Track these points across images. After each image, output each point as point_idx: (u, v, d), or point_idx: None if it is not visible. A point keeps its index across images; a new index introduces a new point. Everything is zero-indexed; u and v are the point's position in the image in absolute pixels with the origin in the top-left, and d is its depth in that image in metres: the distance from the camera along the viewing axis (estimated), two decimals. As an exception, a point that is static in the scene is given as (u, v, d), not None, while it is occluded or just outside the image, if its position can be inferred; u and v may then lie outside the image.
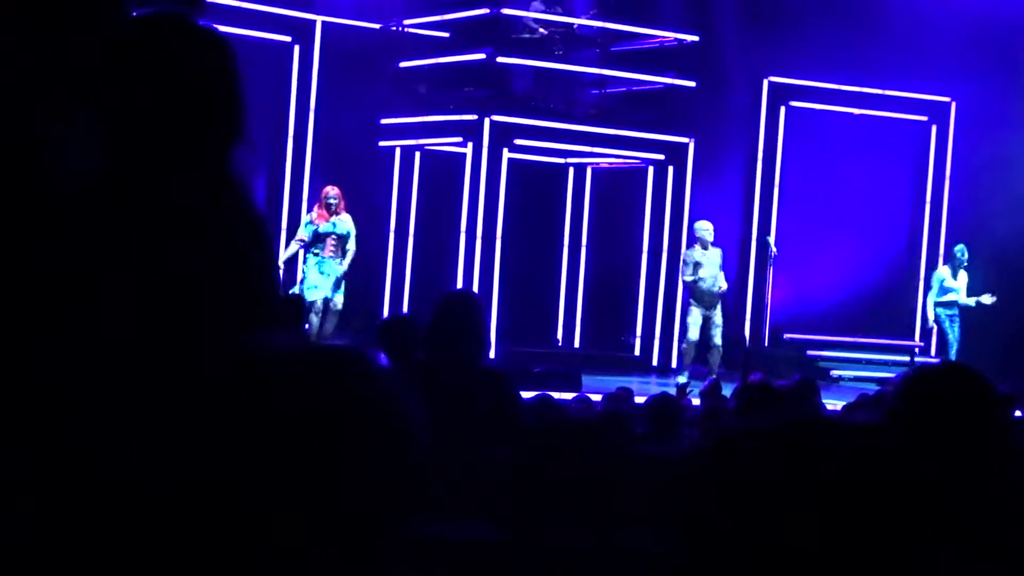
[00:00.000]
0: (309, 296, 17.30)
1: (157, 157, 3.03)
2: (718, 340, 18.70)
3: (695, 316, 18.67)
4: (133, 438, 1.78)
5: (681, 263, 18.99)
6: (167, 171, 3.03)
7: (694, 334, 18.59)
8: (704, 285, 18.56)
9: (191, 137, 3.08)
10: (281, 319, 3.39)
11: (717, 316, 18.75)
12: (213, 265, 3.01)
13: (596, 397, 11.99)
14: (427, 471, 1.70)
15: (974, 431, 3.32)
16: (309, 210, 18.38)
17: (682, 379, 17.52)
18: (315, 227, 17.65)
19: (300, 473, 1.62)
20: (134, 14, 3.25)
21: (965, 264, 20.09)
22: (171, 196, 3.02)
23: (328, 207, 17.63)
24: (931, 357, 21.35)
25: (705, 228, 18.79)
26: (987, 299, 19.81)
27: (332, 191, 17.70)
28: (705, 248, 18.69)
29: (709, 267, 18.57)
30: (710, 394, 12.55)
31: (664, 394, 10.26)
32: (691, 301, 18.76)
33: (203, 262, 2.97)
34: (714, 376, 16.92)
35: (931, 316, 20.36)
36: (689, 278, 18.63)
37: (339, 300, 17.69)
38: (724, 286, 18.96)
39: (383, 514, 1.66)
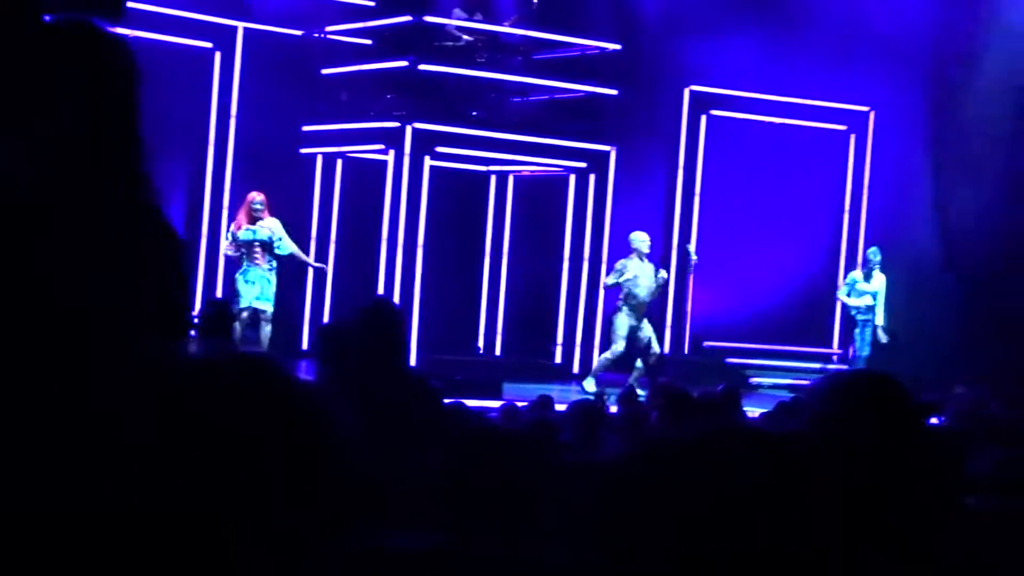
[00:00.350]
0: (241, 304, 17.10)
1: (60, 164, 3.02)
2: (656, 346, 18.61)
3: (623, 326, 18.47)
4: (43, 456, 1.77)
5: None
6: (71, 178, 3.02)
7: (620, 346, 18.38)
8: (640, 294, 18.40)
9: (92, 144, 3.07)
10: (194, 327, 3.38)
11: (647, 326, 18.60)
12: (121, 273, 2.99)
13: (521, 404, 12.01)
14: (356, 480, 1.70)
15: (894, 436, 3.36)
16: (231, 217, 18.24)
17: (590, 385, 17.55)
18: (235, 236, 17.41)
19: (220, 486, 1.61)
20: (44, 20, 3.26)
21: (877, 266, 20.20)
22: (75, 203, 3.00)
23: (252, 212, 17.40)
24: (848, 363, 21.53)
25: (642, 239, 18.69)
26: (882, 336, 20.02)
27: (258, 197, 17.45)
28: (642, 259, 18.59)
29: (644, 278, 18.47)
30: (627, 400, 12.60)
31: (585, 401, 10.30)
32: (623, 308, 18.49)
33: (110, 270, 2.96)
34: (631, 383, 16.99)
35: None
36: (611, 281, 18.46)
37: (268, 308, 17.42)
38: (664, 275, 18.84)
39: (310, 524, 1.66)
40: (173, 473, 1.63)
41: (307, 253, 19.36)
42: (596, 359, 18.87)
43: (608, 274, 18.78)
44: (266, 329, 17.41)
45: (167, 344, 2.91)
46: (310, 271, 19.45)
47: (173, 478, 1.63)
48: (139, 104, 3.20)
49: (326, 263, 19.80)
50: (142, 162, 3.16)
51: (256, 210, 17.36)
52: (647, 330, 18.59)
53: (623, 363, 18.47)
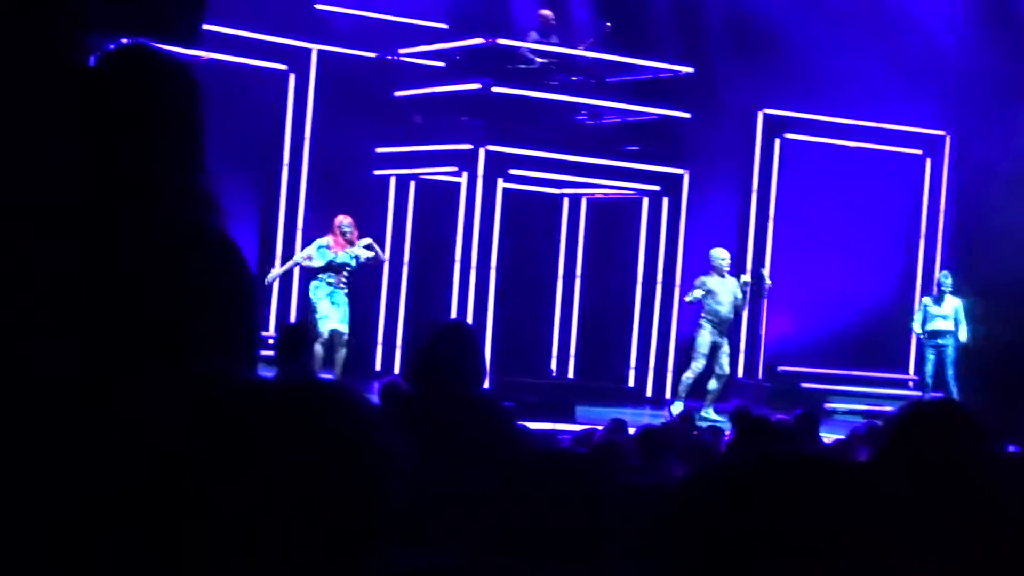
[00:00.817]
0: (320, 326, 17.17)
1: (122, 185, 3.04)
2: (727, 368, 18.60)
3: (704, 341, 18.42)
4: (104, 464, 1.77)
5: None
6: (134, 200, 3.04)
7: (701, 363, 18.37)
8: (721, 310, 18.41)
9: (154, 165, 3.09)
10: (278, 341, 3.37)
11: (726, 344, 18.65)
12: (184, 291, 3.00)
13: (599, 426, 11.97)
14: (408, 505, 1.69)
15: (965, 471, 3.31)
16: (306, 240, 18.31)
17: (678, 408, 17.44)
18: (332, 256, 17.42)
19: (271, 505, 1.61)
20: (110, 46, 3.33)
21: (950, 290, 20.09)
22: (138, 226, 3.02)
23: (343, 236, 17.48)
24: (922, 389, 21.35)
25: (721, 256, 18.69)
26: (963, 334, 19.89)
27: (346, 220, 17.52)
28: (722, 276, 18.58)
29: (725, 294, 18.45)
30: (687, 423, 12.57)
31: (650, 425, 10.26)
32: (704, 324, 18.48)
33: (174, 289, 2.97)
34: (683, 406, 16.92)
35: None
36: (689, 298, 18.47)
37: (346, 330, 17.50)
38: (746, 279, 18.84)
39: (355, 546, 1.65)
40: (232, 492, 1.63)
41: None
42: (680, 382, 18.67)
43: (687, 293, 18.75)
44: (342, 352, 17.46)
45: (226, 366, 2.91)
46: (383, 299, 19.60)
47: (233, 496, 1.63)
48: (200, 125, 3.22)
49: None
50: (203, 182, 3.19)
51: (346, 233, 17.43)
52: (725, 349, 18.55)
53: (701, 384, 18.42)
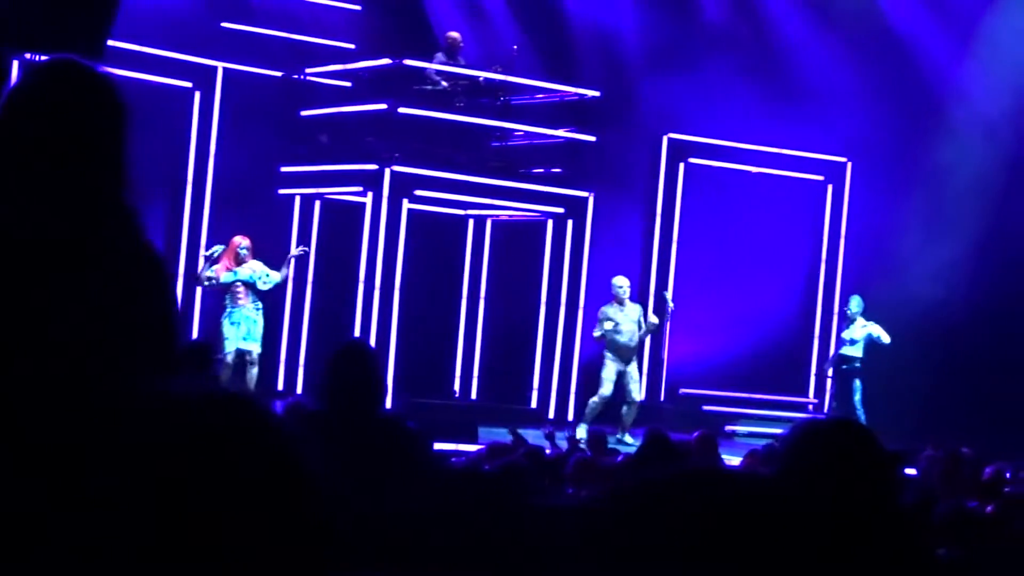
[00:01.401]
0: (226, 347, 17.13)
1: (47, 198, 3.03)
2: (636, 395, 18.72)
3: (610, 371, 18.60)
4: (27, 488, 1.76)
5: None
6: (58, 212, 3.03)
7: (608, 389, 18.51)
8: (621, 340, 18.59)
9: (80, 178, 3.09)
10: (181, 359, 3.37)
11: (634, 371, 18.80)
12: (108, 304, 3.00)
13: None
14: (331, 521, 1.69)
15: (863, 487, 3.35)
16: (208, 258, 18.25)
17: (581, 432, 17.47)
18: (216, 279, 17.45)
19: (193, 525, 1.60)
20: (33, 60, 3.35)
21: (859, 313, 20.35)
22: (62, 237, 3.02)
23: (238, 255, 17.49)
24: (824, 414, 21.56)
25: (620, 285, 18.83)
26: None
27: (244, 241, 17.57)
28: (622, 304, 18.72)
29: (626, 323, 18.62)
30: (596, 445, 12.60)
31: (538, 450, 10.33)
32: (607, 355, 18.69)
33: (98, 302, 2.97)
34: (583, 429, 17.00)
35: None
36: (597, 334, 18.65)
37: (254, 348, 17.46)
38: (654, 321, 19.03)
39: (286, 565, 1.64)
40: (140, 508, 1.62)
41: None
42: (587, 406, 18.76)
43: (592, 319, 18.89)
44: (253, 371, 17.42)
45: (153, 378, 2.91)
46: (286, 320, 19.56)
47: (151, 515, 1.62)
48: (127, 140, 3.24)
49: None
50: (130, 196, 3.20)
51: (242, 255, 17.43)
52: (634, 376, 18.69)
53: (614, 410, 18.55)
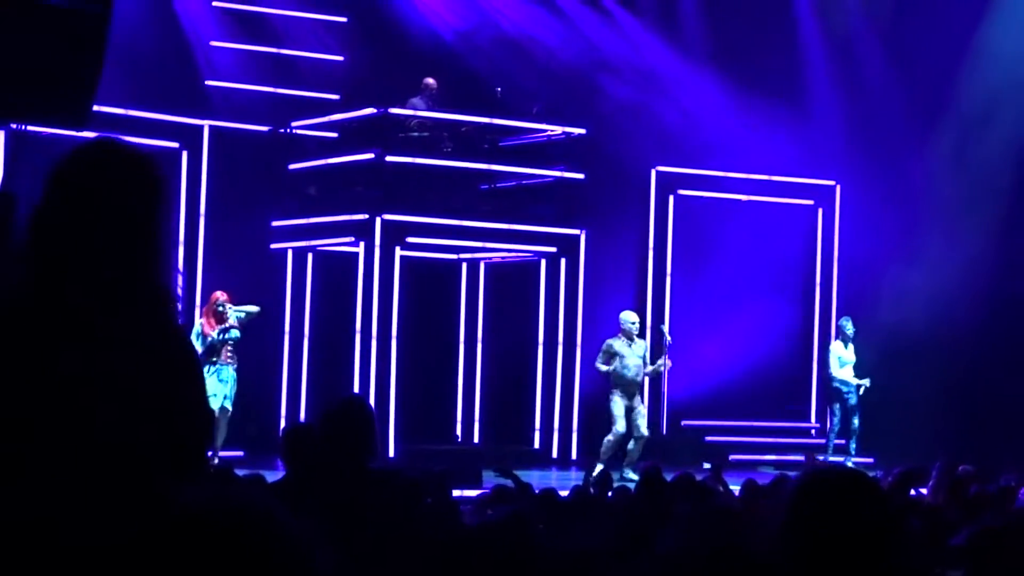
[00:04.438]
0: (212, 403, 17.06)
1: (83, 278, 3.04)
2: (644, 430, 18.64)
3: (619, 407, 18.50)
4: None
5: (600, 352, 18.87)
6: (92, 292, 3.04)
7: (621, 426, 18.39)
8: (628, 375, 18.50)
9: (119, 259, 3.10)
10: (210, 424, 3.37)
11: (640, 406, 18.74)
12: (145, 376, 3.01)
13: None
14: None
15: (869, 544, 3.34)
16: (203, 314, 18.22)
17: (597, 470, 17.40)
18: (207, 339, 17.36)
19: None
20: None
21: (852, 335, 20.36)
22: (102, 319, 3.03)
23: (216, 313, 17.43)
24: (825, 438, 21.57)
25: (632, 321, 18.78)
26: (864, 384, 20.06)
27: (220, 296, 17.50)
28: (631, 339, 18.67)
29: (633, 358, 18.56)
30: (602, 484, 12.58)
31: (576, 487, 10.32)
32: (614, 391, 18.60)
33: (128, 382, 2.97)
34: (601, 466, 16.97)
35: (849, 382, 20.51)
36: (603, 368, 18.56)
37: (229, 405, 17.45)
38: (666, 364, 19.04)
39: None
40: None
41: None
42: (602, 445, 18.63)
43: (594, 355, 18.84)
44: (223, 427, 17.33)
45: (174, 483, 2.91)
46: (284, 373, 19.59)
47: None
48: (165, 219, 3.23)
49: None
50: (164, 276, 3.20)
51: (220, 311, 17.37)
52: (641, 411, 18.64)
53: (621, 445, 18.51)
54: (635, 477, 17.29)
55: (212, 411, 16.52)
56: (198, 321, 17.62)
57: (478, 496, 11.48)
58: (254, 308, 17.77)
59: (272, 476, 8.39)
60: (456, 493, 11.55)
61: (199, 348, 17.39)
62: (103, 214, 3.13)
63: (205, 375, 17.11)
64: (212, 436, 15.16)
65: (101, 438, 2.88)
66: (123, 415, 2.93)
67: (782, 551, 1.66)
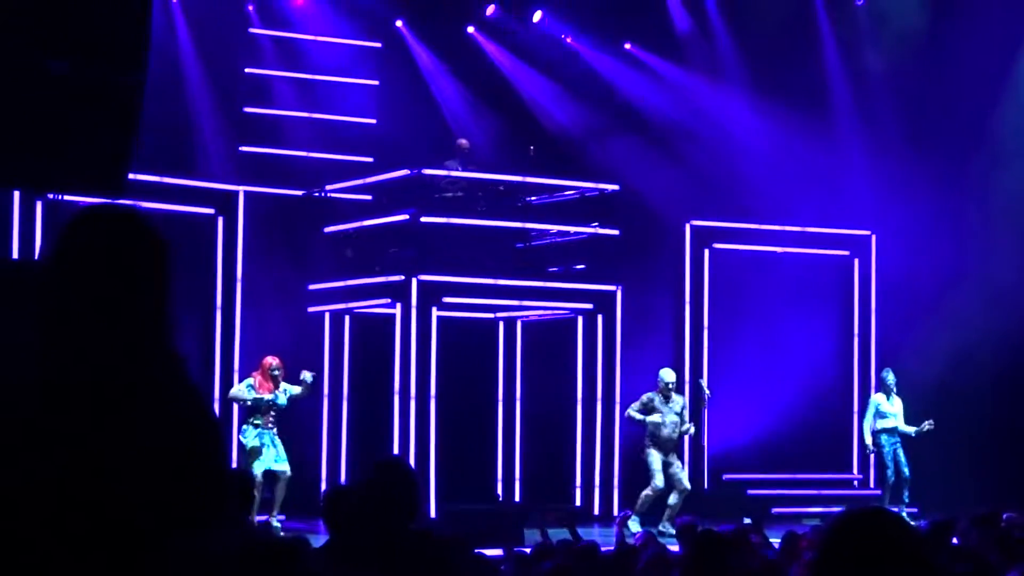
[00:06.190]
0: (256, 469, 17.13)
1: (96, 345, 3.07)
2: (687, 483, 18.74)
3: (656, 461, 18.65)
4: None
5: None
6: (106, 359, 3.07)
7: (660, 480, 18.54)
8: (663, 433, 18.64)
9: (128, 325, 3.13)
10: (230, 497, 3.40)
11: (677, 461, 18.86)
12: (160, 437, 3.04)
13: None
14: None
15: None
16: (242, 378, 18.29)
17: (635, 526, 17.39)
18: (259, 397, 17.45)
19: None
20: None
21: (894, 388, 20.29)
22: (112, 380, 3.06)
23: (273, 378, 17.52)
24: (871, 489, 21.46)
25: (669, 381, 18.87)
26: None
27: (275, 361, 17.57)
28: (667, 398, 18.78)
29: (670, 415, 18.69)
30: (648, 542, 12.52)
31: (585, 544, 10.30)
32: (649, 447, 18.72)
33: (150, 437, 3.00)
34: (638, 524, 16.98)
35: (868, 442, 20.39)
36: (635, 414, 18.67)
37: (286, 467, 17.49)
38: (691, 428, 19.15)
39: None
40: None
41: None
42: (639, 499, 18.69)
43: (630, 406, 18.92)
44: (282, 491, 17.41)
45: (199, 535, 2.93)
46: (324, 435, 19.65)
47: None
48: (170, 283, 3.27)
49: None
50: (175, 341, 3.24)
51: (276, 375, 17.47)
52: (678, 465, 18.75)
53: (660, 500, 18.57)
54: (671, 531, 17.29)
55: (252, 475, 16.57)
56: (250, 377, 17.67)
57: (517, 553, 11.45)
58: (303, 390, 17.81)
59: (311, 540, 8.39)
60: (500, 553, 11.51)
61: (248, 399, 17.45)
62: (105, 278, 3.17)
63: (248, 438, 17.25)
64: (254, 500, 15.15)
65: (120, 503, 2.91)
66: (141, 476, 2.96)
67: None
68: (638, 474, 19.02)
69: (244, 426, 17.56)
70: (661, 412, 18.67)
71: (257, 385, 17.51)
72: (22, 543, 2.87)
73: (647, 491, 18.62)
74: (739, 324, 21.56)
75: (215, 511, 3.07)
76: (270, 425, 17.48)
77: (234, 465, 17.79)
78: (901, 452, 20.12)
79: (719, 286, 21.75)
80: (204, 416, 3.20)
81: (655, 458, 18.64)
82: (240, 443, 17.57)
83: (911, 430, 20.02)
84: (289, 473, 17.47)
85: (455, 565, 6.36)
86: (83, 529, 2.86)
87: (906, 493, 19.94)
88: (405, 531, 6.07)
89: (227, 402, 18.05)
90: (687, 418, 19.01)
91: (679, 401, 18.99)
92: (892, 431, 20.22)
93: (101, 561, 2.83)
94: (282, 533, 15.81)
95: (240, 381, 18.17)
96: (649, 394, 18.81)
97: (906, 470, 20.06)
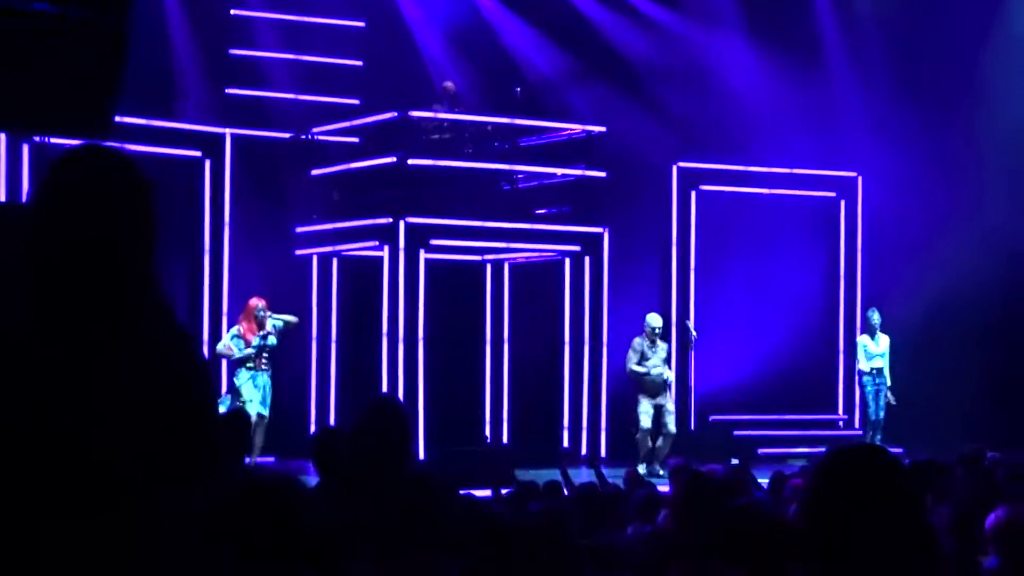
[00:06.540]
0: (248, 410, 17.17)
1: (81, 290, 3.07)
2: (672, 427, 18.96)
3: (645, 405, 18.96)
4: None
5: (629, 351, 19.15)
6: (92, 303, 3.07)
7: (646, 422, 18.87)
8: (649, 377, 18.85)
9: (114, 268, 3.13)
10: (220, 429, 3.39)
11: (668, 403, 19.04)
12: (147, 385, 3.04)
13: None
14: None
15: (891, 518, 3.33)
16: (231, 322, 18.31)
17: (641, 469, 17.50)
18: (250, 349, 17.49)
19: None
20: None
21: (878, 326, 20.42)
22: (98, 323, 3.05)
23: (257, 319, 17.55)
24: (855, 430, 21.55)
25: (655, 326, 19.06)
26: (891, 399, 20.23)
27: (260, 303, 17.62)
28: (653, 343, 18.95)
29: (655, 359, 18.86)
30: (632, 482, 12.56)
31: (591, 483, 10.30)
32: (640, 392, 18.95)
33: (135, 390, 3.00)
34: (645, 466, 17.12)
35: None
36: (634, 367, 18.86)
37: (265, 414, 17.58)
38: (670, 376, 19.32)
39: None
40: None
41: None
42: (637, 445, 18.97)
43: (621, 351, 19.11)
44: (260, 435, 17.46)
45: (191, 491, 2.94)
46: (313, 378, 19.68)
47: None
48: (156, 225, 3.27)
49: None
50: (160, 282, 3.24)
51: (260, 316, 17.51)
52: (669, 408, 18.93)
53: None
54: (661, 473, 17.37)
55: (248, 415, 16.60)
56: (236, 326, 17.75)
57: (505, 494, 11.48)
58: (292, 318, 17.88)
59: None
60: (487, 494, 11.53)
61: (237, 353, 17.51)
62: (91, 216, 3.16)
63: (242, 381, 17.31)
64: (250, 441, 15.17)
65: (104, 448, 2.91)
66: (128, 423, 2.96)
67: (806, 523, 1.67)
68: (626, 416, 19.15)
69: (237, 368, 17.59)
70: (648, 357, 18.86)
71: (244, 332, 17.54)
72: (2, 481, 2.86)
73: (637, 435, 18.87)
74: (726, 266, 21.57)
75: (208, 466, 3.08)
76: (264, 367, 17.51)
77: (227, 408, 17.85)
78: (882, 395, 20.28)
79: (706, 228, 21.74)
80: (194, 365, 3.20)
81: (644, 403, 18.93)
82: (233, 385, 17.60)
83: (888, 384, 20.28)
84: (267, 418, 17.53)
85: (446, 505, 6.36)
86: (65, 471, 2.86)
87: (878, 436, 20.11)
88: (398, 472, 6.07)
89: (215, 356, 18.06)
90: (670, 365, 19.20)
91: (663, 347, 19.19)
92: (879, 372, 20.34)
93: (83, 505, 2.83)
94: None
95: (227, 329, 18.17)
96: (638, 339, 18.97)
97: (881, 413, 20.22)
